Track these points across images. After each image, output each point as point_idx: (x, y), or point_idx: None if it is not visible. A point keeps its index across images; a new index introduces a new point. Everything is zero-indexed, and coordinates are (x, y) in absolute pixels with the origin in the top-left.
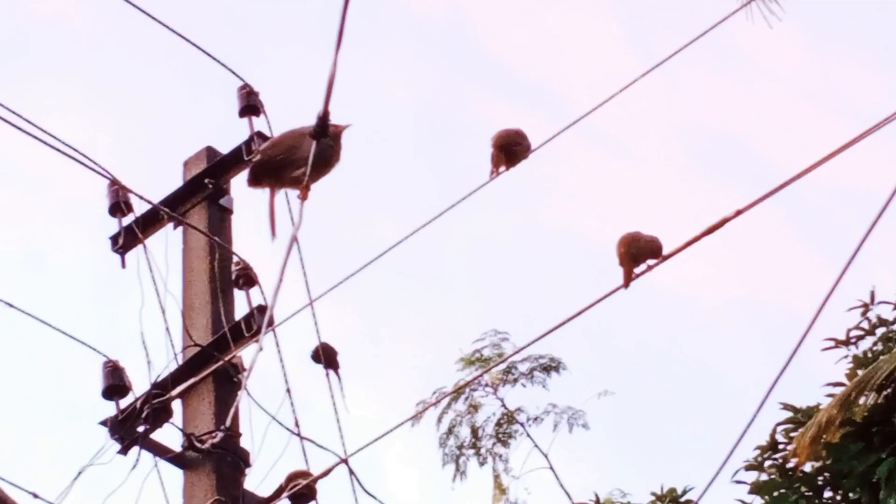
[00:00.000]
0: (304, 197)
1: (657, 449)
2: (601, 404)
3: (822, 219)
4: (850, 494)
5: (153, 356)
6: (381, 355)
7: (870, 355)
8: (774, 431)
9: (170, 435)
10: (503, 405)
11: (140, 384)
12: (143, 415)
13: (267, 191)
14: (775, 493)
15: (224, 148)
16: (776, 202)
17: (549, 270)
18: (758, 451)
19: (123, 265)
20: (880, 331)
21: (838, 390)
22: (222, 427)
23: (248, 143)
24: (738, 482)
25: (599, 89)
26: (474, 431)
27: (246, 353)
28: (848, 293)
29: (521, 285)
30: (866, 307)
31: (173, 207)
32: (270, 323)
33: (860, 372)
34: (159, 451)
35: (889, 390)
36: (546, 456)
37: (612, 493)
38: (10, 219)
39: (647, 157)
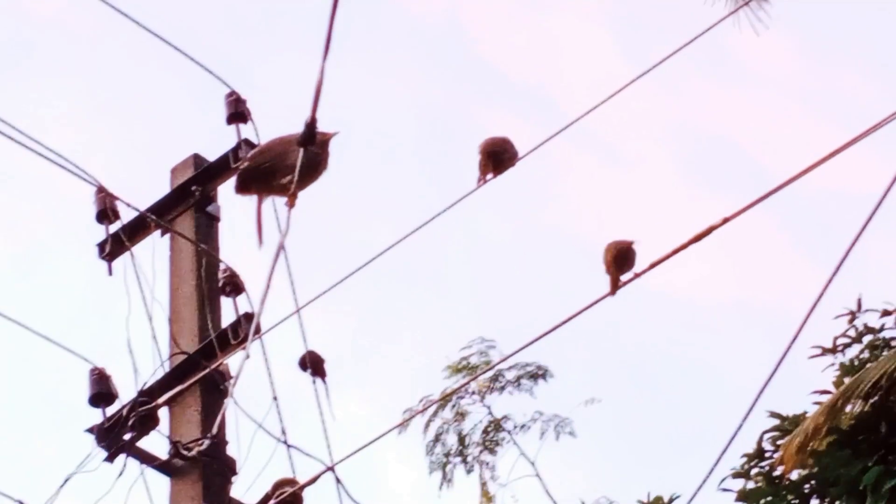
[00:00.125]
0: (291, 204)
1: (646, 456)
2: (590, 411)
3: (816, 223)
4: (837, 502)
5: (140, 364)
6: (371, 362)
7: (856, 363)
8: (761, 439)
9: (156, 442)
10: (490, 413)
11: (127, 392)
12: (130, 422)
13: (254, 198)
14: (762, 501)
15: (211, 155)
16: (771, 206)
17: (544, 274)
18: (745, 459)
19: (110, 272)
20: (867, 339)
21: (825, 398)
22: (209, 435)
23: (236, 150)
24: (725, 490)
25: (594, 94)
26: (461, 439)
27: (233, 361)
28: (837, 299)
29: (516, 289)
30: (853, 315)
31: (160, 215)
32: (257, 330)
33: (847, 380)
34: (146, 458)
35: (876, 398)
36: (533, 463)
37: (599, 500)
38: None
39: (642, 161)
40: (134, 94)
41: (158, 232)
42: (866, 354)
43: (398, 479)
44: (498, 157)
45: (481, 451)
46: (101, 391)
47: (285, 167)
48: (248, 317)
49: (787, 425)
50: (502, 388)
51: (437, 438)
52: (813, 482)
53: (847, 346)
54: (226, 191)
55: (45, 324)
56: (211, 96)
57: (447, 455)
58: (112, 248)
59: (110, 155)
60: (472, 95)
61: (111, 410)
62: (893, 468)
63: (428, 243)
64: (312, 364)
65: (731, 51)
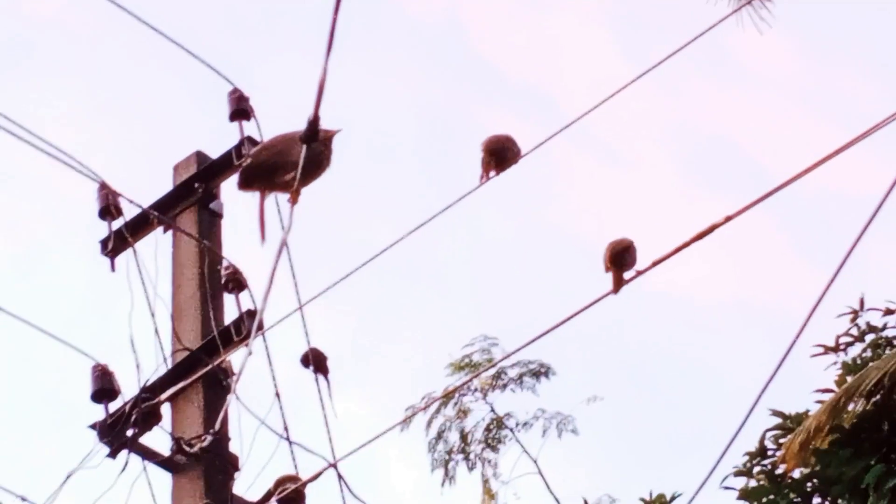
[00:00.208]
0: (294, 201)
1: (648, 454)
2: (592, 409)
3: (816, 223)
4: (839, 501)
5: (142, 360)
6: (374, 359)
7: (859, 362)
8: (763, 438)
9: (159, 439)
10: (492, 410)
11: (129, 388)
12: (132, 419)
13: (257, 194)
14: (764, 500)
15: (214, 152)
16: (772, 206)
17: (545, 274)
18: (747, 458)
19: (113, 269)
20: (869, 337)
21: (827, 397)
22: (211, 431)
23: (238, 147)
24: (727, 488)
25: (594, 94)
26: (463, 437)
27: (235, 358)
28: (839, 299)
29: (517, 288)
30: (855, 314)
31: (163, 211)
32: (260, 327)
33: (849, 378)
34: (148, 454)
35: (878, 397)
36: (535, 461)
37: (601, 498)
38: (0, 222)
39: (643, 161)
40: (136, 92)
41: (161, 228)
42: (869, 353)
43: (400, 477)
44: (500, 155)
45: (483, 449)
46: (104, 387)
47: (288, 164)
48: (251, 313)
49: (789, 424)
50: (504, 386)
51: (439, 436)
52: (815, 481)
53: (849, 344)
54: (228, 188)
55: (47, 320)
56: (213, 93)
57: (449, 452)
58: (114, 245)
59: (113, 152)
60: (471, 95)
61: (114, 407)
62: (895, 467)
63: (429, 242)
64: (315, 361)
65: (731, 51)
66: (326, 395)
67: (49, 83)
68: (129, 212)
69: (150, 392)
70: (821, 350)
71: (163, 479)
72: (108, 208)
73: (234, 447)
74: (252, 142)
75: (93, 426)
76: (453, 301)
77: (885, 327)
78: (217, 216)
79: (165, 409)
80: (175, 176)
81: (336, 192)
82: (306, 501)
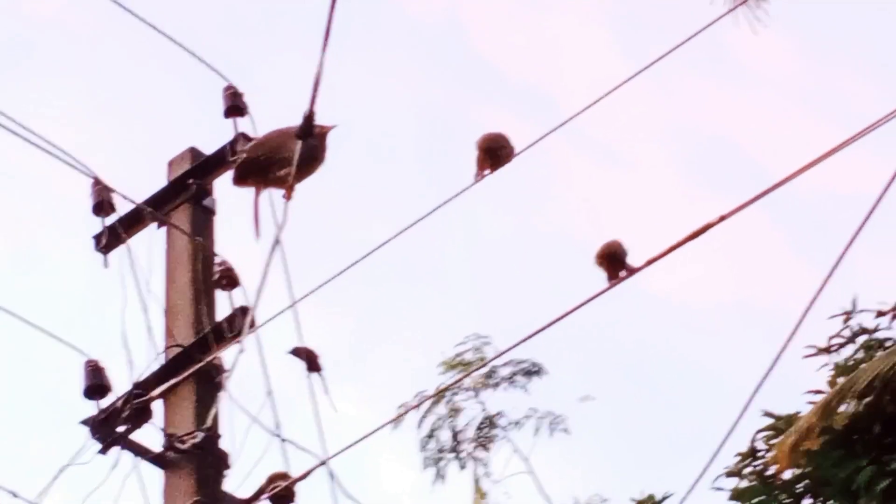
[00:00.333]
0: (288, 197)
1: (639, 454)
2: (584, 409)
3: (810, 224)
4: (830, 502)
5: (135, 356)
6: (368, 358)
7: (851, 363)
8: (754, 438)
9: (150, 435)
10: (484, 409)
11: (121, 384)
12: (124, 415)
13: (252, 190)
14: (755, 500)
15: (208, 149)
16: (767, 206)
17: (542, 274)
18: (738, 458)
19: (106, 265)
20: (862, 339)
21: (819, 398)
22: (203, 428)
23: (233, 143)
24: (718, 489)
25: (593, 93)
26: (455, 435)
27: (228, 355)
28: (832, 299)
29: (513, 288)
30: (848, 315)
31: (157, 207)
32: (253, 324)
33: (841, 380)
34: (139, 451)
35: (869, 398)
36: (526, 460)
37: (592, 498)
38: None
39: (640, 161)
40: (130, 88)
41: (155, 225)
42: (861, 354)
43: (392, 476)
44: (495, 152)
45: (475, 448)
46: (96, 383)
47: (283, 159)
48: (244, 310)
49: (780, 425)
50: (496, 385)
51: (430, 434)
52: (806, 482)
53: (841, 346)
54: (223, 184)
55: (40, 316)
56: (208, 90)
57: (441, 451)
58: (108, 241)
59: (107, 148)
60: (471, 94)
61: (105, 403)
62: (887, 468)
63: (425, 240)
64: (307, 359)
65: (729, 50)
66: (321, 392)
67: (44, 81)
68: (123, 208)
69: (143, 388)
70: (813, 351)
71: (154, 476)
72: (102, 204)
73: (225, 444)
74: (246, 138)
75: (84, 422)
76: (449, 300)
77: (877, 329)
78: (211, 213)
79: (157, 406)
80: (169, 172)
81: (332, 189)
82: (297, 499)
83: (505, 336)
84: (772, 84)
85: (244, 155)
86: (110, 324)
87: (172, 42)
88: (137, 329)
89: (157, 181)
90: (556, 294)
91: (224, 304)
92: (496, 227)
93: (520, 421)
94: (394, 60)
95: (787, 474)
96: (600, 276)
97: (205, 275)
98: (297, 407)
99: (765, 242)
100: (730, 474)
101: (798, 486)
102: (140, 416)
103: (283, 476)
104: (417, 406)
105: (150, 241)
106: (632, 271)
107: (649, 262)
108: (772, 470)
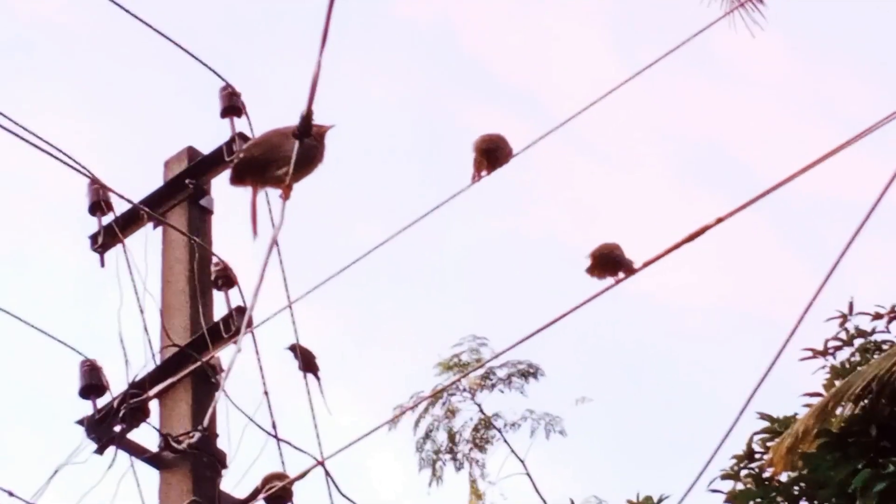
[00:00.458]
0: (286, 196)
1: (637, 456)
2: (581, 411)
3: (807, 227)
4: None
5: (131, 356)
6: (364, 358)
7: (847, 366)
8: (751, 441)
9: (146, 435)
10: (480, 410)
11: (117, 384)
12: (120, 414)
13: (249, 189)
14: (751, 503)
15: (205, 148)
16: (761, 210)
17: (534, 276)
18: (734, 461)
19: (102, 264)
20: (858, 341)
21: (815, 400)
22: (199, 428)
23: (230, 143)
24: (714, 491)
25: (588, 96)
26: (451, 436)
27: (224, 354)
28: (829, 302)
29: (506, 291)
30: (844, 318)
31: (153, 207)
32: (249, 324)
33: (837, 382)
34: (136, 451)
35: (866, 401)
36: (523, 462)
37: (589, 499)
38: None
39: (633, 164)
40: (127, 88)
41: (151, 224)
42: (857, 357)
43: (388, 477)
44: (492, 154)
45: (471, 449)
46: (92, 383)
47: (281, 159)
48: (241, 310)
49: (777, 427)
50: (493, 386)
51: (427, 435)
52: (802, 484)
53: (838, 348)
54: (219, 184)
55: (36, 315)
56: (205, 90)
57: (437, 452)
58: (104, 240)
59: (104, 148)
60: (463, 97)
61: (101, 402)
62: (883, 471)
63: (422, 241)
64: (304, 359)
65: (723, 52)
66: (317, 392)
67: (42, 80)
68: (120, 207)
69: (139, 388)
70: (809, 354)
71: (150, 476)
72: (99, 204)
73: (222, 444)
74: (243, 138)
75: (80, 422)
76: (445, 301)
77: (873, 331)
78: (207, 212)
79: (153, 406)
80: (166, 172)
81: (328, 189)
82: (294, 499)
83: (499, 337)
84: (766, 86)
85: (241, 155)
86: (106, 323)
87: (170, 42)
88: (134, 329)
89: (154, 181)
90: (550, 296)
91: (221, 303)
92: (488, 229)
93: (516, 422)
94: (387, 62)
95: (784, 477)
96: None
97: (201, 274)
98: (294, 407)
99: (759, 245)
100: (726, 476)
101: (794, 488)
102: (136, 415)
103: (280, 476)
104: (414, 407)
105: (147, 241)
106: (630, 273)
107: (646, 265)
108: (768, 472)
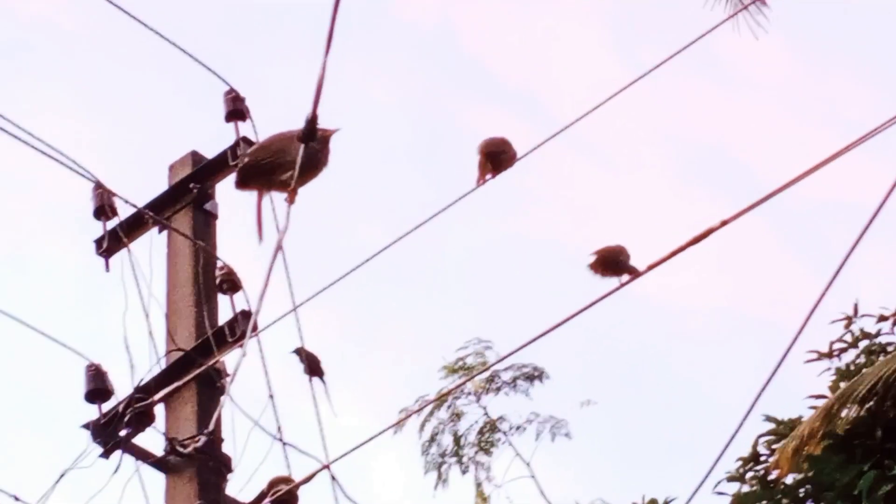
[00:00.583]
0: (291, 201)
1: (642, 459)
2: (586, 413)
3: (810, 231)
4: None
5: (136, 360)
6: (368, 362)
7: (852, 368)
8: (756, 443)
9: (152, 439)
10: (486, 413)
11: (123, 388)
12: (126, 419)
13: (254, 193)
14: None
15: (210, 153)
16: (763, 213)
17: (537, 279)
18: (740, 463)
19: (107, 269)
20: (863, 343)
21: (821, 402)
22: (205, 432)
23: (234, 147)
24: (720, 493)
25: (588, 98)
26: (456, 439)
27: (229, 359)
28: (832, 305)
29: (509, 294)
30: (849, 320)
31: (158, 211)
32: (254, 328)
33: (843, 384)
34: (141, 455)
35: (871, 403)
36: (528, 465)
37: (594, 502)
38: None
39: (635, 166)
40: (132, 92)
41: (156, 229)
42: (862, 359)
43: (393, 480)
44: (497, 157)
45: (477, 452)
46: (98, 387)
47: (286, 163)
48: (246, 314)
49: (782, 429)
50: (498, 389)
51: (432, 439)
52: (808, 487)
53: (843, 350)
54: (224, 188)
55: (41, 319)
56: (209, 94)
57: (442, 455)
58: (109, 245)
59: (109, 152)
60: (465, 99)
61: (107, 407)
62: (888, 473)
63: (426, 244)
64: (309, 363)
65: (726, 55)
66: (323, 396)
67: (45, 84)
68: (124, 212)
69: (144, 392)
70: (815, 356)
71: (156, 480)
72: (103, 208)
73: (227, 448)
74: (248, 142)
75: (86, 426)
76: (448, 303)
77: (878, 333)
78: (212, 216)
79: (159, 410)
80: (170, 176)
81: (331, 193)
82: (299, 503)
83: (504, 339)
84: (768, 89)
85: (246, 159)
86: (112, 327)
87: (174, 46)
88: (139, 333)
89: (159, 185)
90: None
91: (226, 307)
92: (490, 232)
93: (522, 425)
94: (387, 63)
95: (789, 479)
96: (598, 280)
97: (206, 278)
98: (299, 411)
99: (760, 247)
100: (731, 479)
101: (800, 490)
102: (142, 419)
103: (286, 480)
104: (419, 410)
105: (152, 245)
106: (635, 275)
107: (650, 268)
108: (773, 475)
